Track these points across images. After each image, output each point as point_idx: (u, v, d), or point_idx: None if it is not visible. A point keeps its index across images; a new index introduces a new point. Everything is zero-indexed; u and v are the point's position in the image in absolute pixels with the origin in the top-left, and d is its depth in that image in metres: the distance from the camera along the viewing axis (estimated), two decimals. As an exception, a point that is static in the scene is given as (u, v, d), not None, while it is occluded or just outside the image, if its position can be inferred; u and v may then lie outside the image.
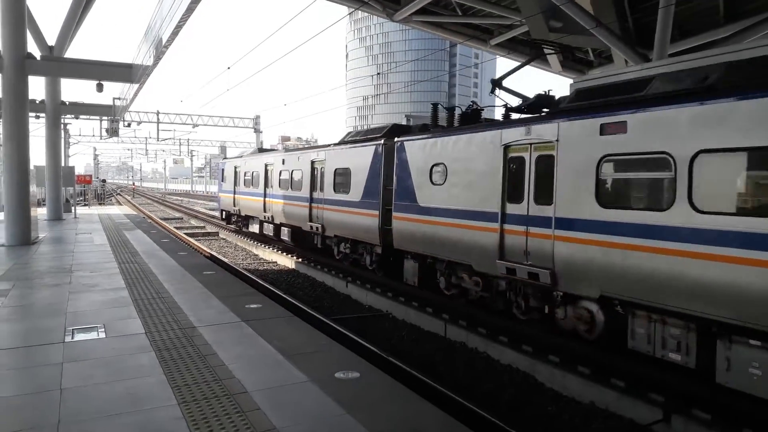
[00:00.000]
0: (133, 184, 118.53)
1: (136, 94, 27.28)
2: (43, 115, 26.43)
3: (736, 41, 14.83)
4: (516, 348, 9.28)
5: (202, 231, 30.36)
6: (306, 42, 20.81)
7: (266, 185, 22.39)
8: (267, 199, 22.25)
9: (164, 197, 79.93)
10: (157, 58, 20.62)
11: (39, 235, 18.59)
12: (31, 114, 32.63)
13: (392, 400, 5.33)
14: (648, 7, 17.26)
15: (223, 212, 30.32)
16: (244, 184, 25.26)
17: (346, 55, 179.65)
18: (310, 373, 5.92)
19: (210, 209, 49.03)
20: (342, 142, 16.86)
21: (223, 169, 29.96)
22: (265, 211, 22.40)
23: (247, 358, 6.40)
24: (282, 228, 21.21)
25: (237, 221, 27.94)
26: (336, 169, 16.56)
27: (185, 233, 26.87)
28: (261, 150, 26.59)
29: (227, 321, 8.04)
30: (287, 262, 19.73)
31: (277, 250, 21.34)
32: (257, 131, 47.15)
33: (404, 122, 34.47)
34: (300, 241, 20.21)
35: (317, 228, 17.68)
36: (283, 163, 20.67)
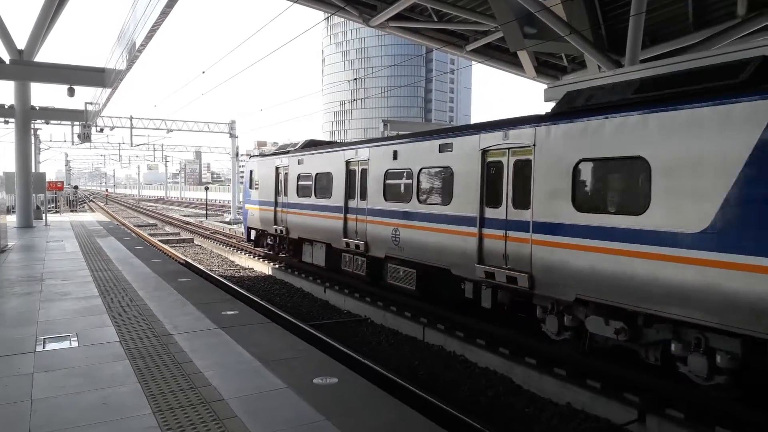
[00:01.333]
0: (107, 190, 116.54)
1: (108, 99, 26.92)
2: (12, 120, 25.91)
3: (705, 47, 15.19)
4: (493, 351, 9.33)
5: (177, 238, 30.01)
6: (282, 47, 20.72)
7: (350, 195, 14.23)
8: (353, 216, 14.01)
9: (138, 204, 78.81)
10: (131, 62, 20.34)
11: (8, 243, 18.15)
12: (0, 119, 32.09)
13: (371, 405, 5.32)
14: (620, 15, 17.59)
15: (252, 231, 21.39)
16: (299, 193, 16.92)
17: (323, 60, 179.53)
18: (288, 379, 5.87)
19: (185, 215, 48.47)
20: (581, 110, 8.33)
21: (251, 171, 21.18)
22: (346, 235, 14.23)
23: (223, 365, 6.32)
24: (390, 265, 12.78)
25: (279, 245, 19.44)
26: (580, 164, 8.14)
27: (159, 240, 26.48)
28: (317, 142, 18.15)
29: (203, 328, 7.94)
30: (264, 268, 19.58)
31: (254, 257, 21.16)
32: (233, 136, 46.70)
33: (381, 128, 32.68)
34: (433, 293, 12.01)
35: (514, 278, 9.08)
36: (396, 157, 12.40)
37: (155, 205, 75.66)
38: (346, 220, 14.28)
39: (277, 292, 15.91)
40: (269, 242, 20.15)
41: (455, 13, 20.41)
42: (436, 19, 21.58)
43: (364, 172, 13.75)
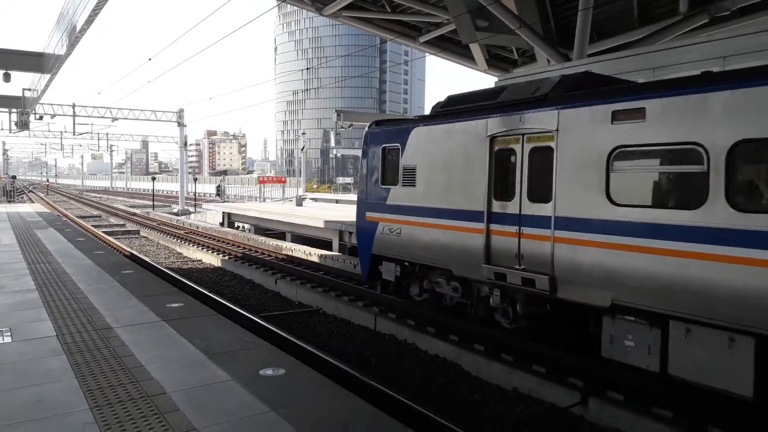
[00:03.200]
0: (47, 180, 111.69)
1: (47, 85, 25.68)
2: (-58, 105, 24.42)
3: (649, 42, 15.69)
4: (443, 338, 9.42)
5: (122, 229, 29.08)
6: (232, 34, 20.23)
7: None
8: None
9: (81, 194, 75.94)
10: (71, 47, 19.44)
11: (-63, 234, 17.17)
12: (-73, 104, 30.20)
13: (319, 396, 5.27)
14: (569, 9, 17.94)
15: (389, 264, 10.95)
16: (620, 197, 6.86)
17: (275, 49, 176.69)
18: (234, 371, 5.75)
19: (131, 206, 46.98)
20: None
21: (385, 150, 10.96)
22: None
23: (166, 358, 6.14)
24: None
25: (482, 301, 9.32)
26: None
27: (104, 231, 25.60)
28: (607, 79, 8.44)
29: (146, 321, 7.69)
30: (213, 260, 19.17)
31: (202, 248, 20.69)
32: (181, 125, 45.40)
33: (334, 118, 32.53)
34: None
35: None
36: None
37: (100, 195, 73.10)
38: None
39: (227, 284, 15.61)
40: (442, 290, 9.97)
41: (408, 5, 20.38)
42: (389, 10, 21.51)
43: None
